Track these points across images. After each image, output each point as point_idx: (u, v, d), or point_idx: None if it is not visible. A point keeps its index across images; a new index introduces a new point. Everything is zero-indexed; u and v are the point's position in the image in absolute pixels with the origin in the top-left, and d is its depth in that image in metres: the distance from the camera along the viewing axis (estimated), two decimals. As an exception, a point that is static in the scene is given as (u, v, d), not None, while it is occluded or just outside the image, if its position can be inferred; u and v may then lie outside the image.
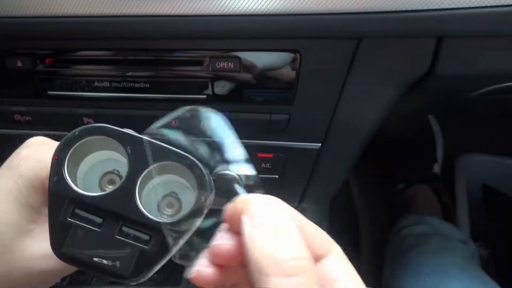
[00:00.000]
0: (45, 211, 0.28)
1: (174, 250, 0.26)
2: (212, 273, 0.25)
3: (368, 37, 0.42)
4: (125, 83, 0.48)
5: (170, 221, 0.26)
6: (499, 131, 1.22)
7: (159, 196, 0.30)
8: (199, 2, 0.39)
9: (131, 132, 0.28)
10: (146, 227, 0.26)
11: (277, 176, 0.57)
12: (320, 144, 0.52)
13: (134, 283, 0.27)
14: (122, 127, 0.28)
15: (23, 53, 0.47)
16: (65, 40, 0.46)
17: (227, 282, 0.26)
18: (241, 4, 0.38)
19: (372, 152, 1.29)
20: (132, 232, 0.26)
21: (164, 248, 0.26)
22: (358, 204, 1.21)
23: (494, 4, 0.36)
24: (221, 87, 0.47)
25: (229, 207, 0.26)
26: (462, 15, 0.37)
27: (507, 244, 1.14)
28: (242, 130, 0.50)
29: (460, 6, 0.37)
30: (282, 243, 0.23)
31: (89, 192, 0.27)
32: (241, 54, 0.44)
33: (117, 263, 0.26)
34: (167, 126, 0.30)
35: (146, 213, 0.26)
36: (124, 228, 0.26)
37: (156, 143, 0.27)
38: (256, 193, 0.27)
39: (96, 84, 0.48)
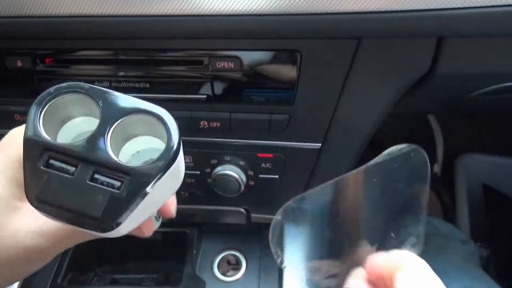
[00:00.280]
0: None
1: (145, 196, 0.27)
2: None
3: (369, 37, 0.42)
4: (124, 83, 0.48)
5: (139, 165, 0.27)
6: (499, 131, 1.22)
7: (133, 147, 0.31)
8: (200, 1, 0.39)
9: (103, 88, 0.29)
10: (117, 173, 0.27)
11: (277, 176, 0.57)
12: (320, 144, 0.52)
13: (108, 233, 0.27)
14: None
15: (23, 53, 0.47)
16: (65, 40, 0.46)
17: None
18: (242, 3, 0.38)
19: (372, 151, 1.29)
20: (104, 179, 0.27)
21: (135, 192, 0.27)
22: (358, 204, 1.20)
23: (494, 4, 0.36)
24: (221, 87, 0.47)
25: (380, 259, 0.26)
26: (462, 15, 0.37)
27: (507, 244, 1.13)
28: (242, 130, 0.51)
29: (461, 6, 0.37)
30: None
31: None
32: (241, 54, 0.44)
33: (88, 207, 0.26)
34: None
35: (114, 157, 0.27)
36: (97, 175, 0.27)
37: (128, 96, 0.29)
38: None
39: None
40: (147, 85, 0.47)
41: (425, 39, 0.43)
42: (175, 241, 0.70)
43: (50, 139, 0.27)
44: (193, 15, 0.40)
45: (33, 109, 0.28)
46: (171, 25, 0.41)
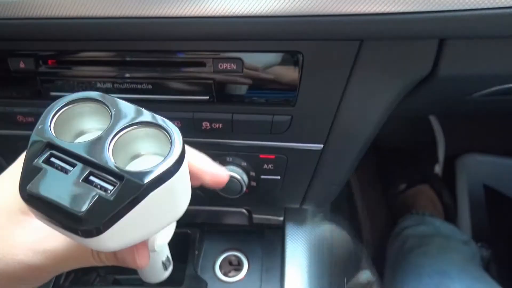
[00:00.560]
0: None
1: (135, 204, 0.26)
2: None
3: (370, 38, 0.42)
4: (127, 84, 0.48)
5: (134, 170, 0.26)
6: (500, 131, 1.22)
7: (134, 154, 0.31)
8: (202, 3, 0.39)
9: (119, 99, 0.29)
10: (112, 178, 0.26)
11: (279, 177, 0.57)
12: (322, 145, 0.52)
13: (92, 240, 0.27)
14: None
15: (26, 54, 0.47)
16: (67, 42, 0.46)
17: None
18: (244, 5, 0.39)
19: (373, 152, 1.30)
20: (98, 181, 0.26)
21: (123, 198, 0.26)
22: (359, 205, 1.21)
23: (496, 6, 0.36)
24: (223, 88, 0.47)
25: None
26: (464, 17, 0.37)
27: (509, 245, 1.14)
28: (244, 131, 0.51)
29: (462, 8, 0.37)
30: None
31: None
32: (243, 56, 0.44)
33: (73, 205, 0.25)
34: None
35: (111, 160, 0.27)
36: (91, 177, 0.27)
37: (143, 109, 0.29)
38: None
39: (98, 85, 0.48)
40: (150, 86, 0.47)
41: (426, 41, 0.43)
42: (176, 242, 0.70)
43: (54, 137, 0.27)
44: (196, 17, 0.40)
45: (46, 110, 0.29)
46: (173, 27, 0.41)
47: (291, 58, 0.44)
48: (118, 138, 0.28)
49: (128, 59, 0.46)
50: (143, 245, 0.35)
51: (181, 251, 0.67)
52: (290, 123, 0.50)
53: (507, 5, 0.36)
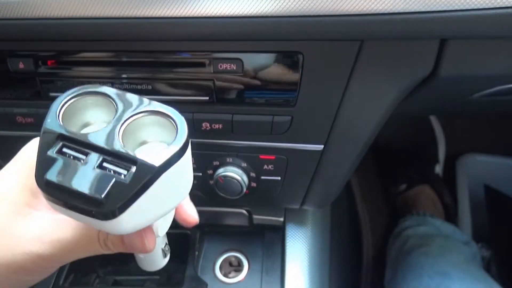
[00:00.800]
0: (42, 197, 0.29)
1: (150, 185, 0.28)
2: None
3: (371, 39, 0.42)
4: (127, 85, 0.48)
5: (145, 155, 0.28)
6: (500, 131, 1.22)
7: (141, 141, 0.32)
8: (202, 3, 0.39)
9: (123, 91, 0.31)
10: (125, 163, 0.28)
11: (279, 178, 0.57)
12: (322, 146, 0.52)
13: (110, 222, 0.28)
14: None
15: (25, 54, 0.47)
16: (67, 42, 0.46)
17: None
18: (244, 5, 0.38)
19: (373, 152, 1.30)
20: (111, 167, 0.28)
21: (139, 180, 0.28)
22: (359, 205, 1.21)
23: (497, 6, 0.36)
24: (223, 89, 0.47)
25: None
26: (465, 17, 0.37)
27: (509, 245, 1.13)
28: (244, 132, 0.51)
29: (464, 8, 0.37)
30: None
31: None
32: (243, 56, 0.44)
33: (92, 190, 0.27)
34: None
35: (123, 147, 0.28)
36: (105, 164, 0.28)
37: (146, 98, 0.31)
38: None
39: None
40: (149, 87, 0.47)
41: (427, 41, 0.42)
42: (177, 243, 0.70)
43: (65, 128, 0.29)
44: (195, 17, 0.39)
45: (54, 103, 0.30)
46: (173, 27, 0.41)
47: (291, 59, 0.44)
48: (127, 126, 0.30)
49: (127, 59, 0.46)
50: (150, 229, 0.37)
51: (181, 252, 0.67)
52: (290, 123, 0.49)
53: (508, 5, 0.36)
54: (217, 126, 0.50)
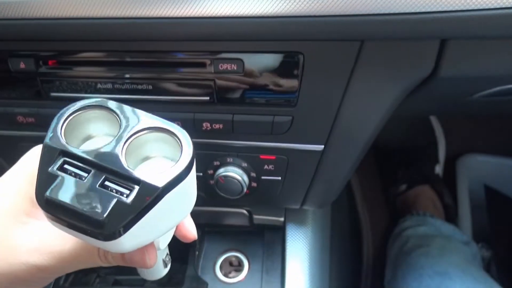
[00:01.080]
0: None
1: (152, 206, 0.27)
2: None
3: (371, 39, 0.42)
4: (128, 85, 0.48)
5: (148, 175, 0.27)
6: (501, 131, 1.22)
7: (144, 156, 0.32)
8: (202, 3, 0.39)
9: (127, 106, 0.30)
10: (128, 182, 0.27)
11: (279, 178, 0.57)
12: (323, 146, 0.52)
13: (111, 242, 0.27)
14: None
15: (26, 54, 0.47)
16: (68, 42, 0.46)
17: None
18: (245, 6, 0.38)
19: (374, 153, 1.30)
20: (114, 186, 0.27)
21: (141, 201, 0.27)
22: (359, 205, 1.21)
23: (498, 7, 0.36)
24: (224, 89, 0.47)
25: None
26: (465, 18, 0.37)
27: (509, 245, 1.13)
28: (245, 132, 0.51)
29: (464, 9, 0.37)
30: None
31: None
32: (244, 56, 0.44)
33: (93, 210, 0.26)
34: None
35: (126, 165, 0.28)
36: (107, 183, 0.27)
37: (150, 114, 0.30)
38: None
39: (98, 85, 0.48)
40: (150, 87, 0.47)
41: (428, 41, 0.42)
42: (177, 242, 0.70)
43: (67, 144, 0.28)
44: (196, 18, 0.40)
45: (56, 117, 0.29)
46: (174, 27, 0.41)
47: (292, 59, 0.44)
48: (130, 143, 0.29)
49: (128, 59, 0.46)
50: (152, 245, 0.36)
51: (182, 252, 0.67)
52: (291, 124, 0.49)
53: (509, 6, 0.36)
54: (217, 126, 0.50)
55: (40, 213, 0.34)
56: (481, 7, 0.37)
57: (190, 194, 0.32)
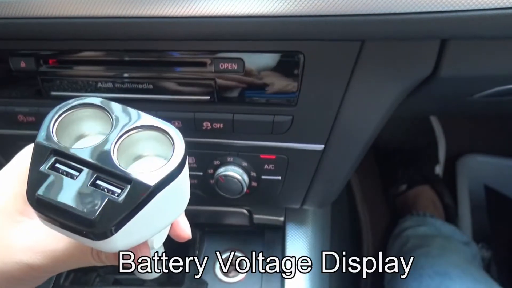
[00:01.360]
0: None
1: (144, 205, 0.27)
2: None
3: (372, 39, 0.42)
4: (128, 84, 0.48)
5: (140, 173, 0.27)
6: (501, 132, 1.22)
7: (136, 155, 0.31)
8: (203, 3, 0.39)
9: (119, 104, 0.30)
10: (119, 181, 0.27)
11: (279, 178, 0.57)
12: (323, 146, 0.52)
13: (103, 242, 0.27)
14: None
15: (27, 53, 0.47)
16: (68, 41, 0.46)
17: None
18: (245, 5, 0.38)
19: (374, 153, 1.30)
20: (105, 185, 0.27)
21: (133, 200, 0.27)
22: (359, 205, 1.21)
23: (498, 7, 0.36)
24: (224, 89, 0.47)
25: None
26: (466, 18, 0.37)
27: (509, 246, 1.13)
28: (245, 132, 0.51)
29: (465, 9, 0.37)
30: None
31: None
32: (244, 56, 0.44)
33: (84, 209, 0.26)
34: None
35: (118, 164, 0.27)
36: (99, 181, 0.27)
37: (142, 112, 0.30)
38: None
39: (99, 85, 0.48)
40: (151, 86, 0.47)
41: (428, 42, 0.42)
42: (177, 242, 0.70)
43: (59, 143, 0.28)
44: (197, 17, 0.40)
45: (48, 116, 0.29)
46: (174, 26, 0.41)
47: (292, 58, 0.44)
48: (122, 141, 0.28)
49: (129, 59, 0.46)
50: (145, 244, 0.36)
51: (182, 251, 0.67)
52: (291, 123, 0.50)
53: (509, 6, 0.36)
54: (218, 125, 0.50)
55: (32, 212, 0.34)
56: (481, 7, 0.36)
57: (183, 193, 0.32)
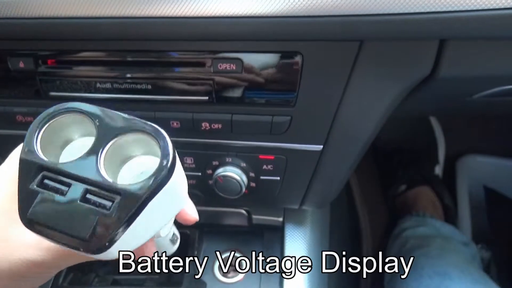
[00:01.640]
0: None
1: (137, 216, 0.27)
2: None
3: (371, 39, 0.42)
4: (127, 85, 0.48)
5: (129, 183, 0.27)
6: (500, 132, 1.22)
7: (136, 168, 0.31)
8: (201, 3, 0.39)
9: (100, 107, 0.29)
10: (109, 193, 0.27)
11: (278, 178, 0.57)
12: (322, 146, 0.52)
13: (101, 255, 0.27)
14: None
15: (25, 54, 0.47)
16: (67, 41, 0.46)
17: None
18: (244, 6, 0.38)
19: (373, 153, 1.30)
20: (95, 199, 0.27)
21: (125, 212, 0.26)
22: (359, 205, 1.21)
23: (497, 7, 0.36)
24: (223, 89, 0.47)
25: None
26: (465, 18, 0.37)
27: (509, 246, 1.13)
28: (243, 132, 0.51)
29: (463, 9, 0.37)
30: None
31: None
32: (243, 56, 0.44)
33: (77, 228, 0.26)
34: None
35: (105, 176, 0.27)
36: (88, 195, 0.27)
37: (125, 115, 0.29)
38: None
39: (98, 85, 0.48)
40: (149, 87, 0.47)
41: (427, 42, 0.42)
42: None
43: (44, 158, 0.27)
44: (195, 17, 0.39)
45: (30, 129, 0.28)
46: (173, 27, 0.41)
47: (290, 59, 0.44)
48: (108, 149, 0.28)
49: (127, 59, 0.46)
50: (151, 242, 0.36)
51: (181, 252, 0.67)
52: (289, 123, 0.49)
53: (508, 6, 0.36)
54: (216, 126, 0.50)
55: None
56: (480, 7, 0.36)
57: (180, 190, 0.32)
